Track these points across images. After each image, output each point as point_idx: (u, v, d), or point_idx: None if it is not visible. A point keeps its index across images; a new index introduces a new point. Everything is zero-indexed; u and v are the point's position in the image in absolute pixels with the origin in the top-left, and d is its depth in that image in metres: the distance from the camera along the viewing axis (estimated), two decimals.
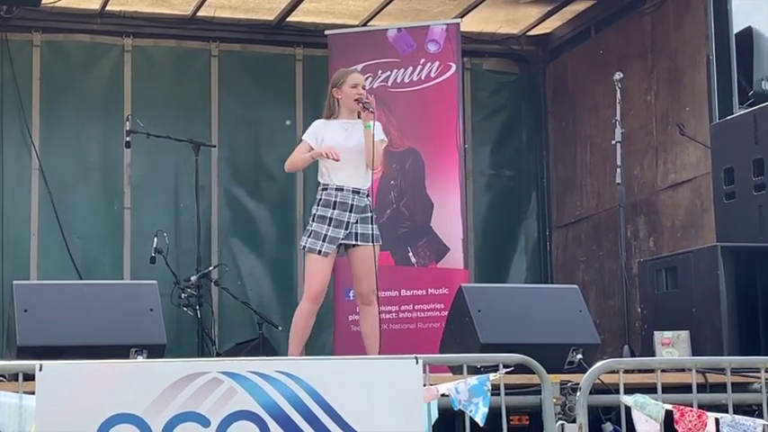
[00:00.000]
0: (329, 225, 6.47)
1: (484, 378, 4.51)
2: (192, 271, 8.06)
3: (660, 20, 8.63)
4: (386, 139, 6.74)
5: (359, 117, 6.59)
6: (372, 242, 6.54)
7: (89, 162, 9.09)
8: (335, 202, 6.50)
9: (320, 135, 6.62)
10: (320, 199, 6.55)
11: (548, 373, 4.68)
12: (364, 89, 6.68)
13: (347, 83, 6.65)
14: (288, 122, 9.37)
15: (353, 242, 6.52)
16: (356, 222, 6.51)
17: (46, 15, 8.89)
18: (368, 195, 6.59)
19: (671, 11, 8.50)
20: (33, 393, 3.97)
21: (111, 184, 9.11)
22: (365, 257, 6.50)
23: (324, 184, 6.57)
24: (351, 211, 6.50)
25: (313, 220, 6.54)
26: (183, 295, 7.91)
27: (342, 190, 6.52)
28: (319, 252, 6.46)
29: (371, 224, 6.57)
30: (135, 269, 8.90)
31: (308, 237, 6.51)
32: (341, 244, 6.53)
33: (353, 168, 6.53)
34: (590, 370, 4.70)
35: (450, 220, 8.52)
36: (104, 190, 9.12)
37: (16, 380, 4.18)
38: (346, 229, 6.49)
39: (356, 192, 6.52)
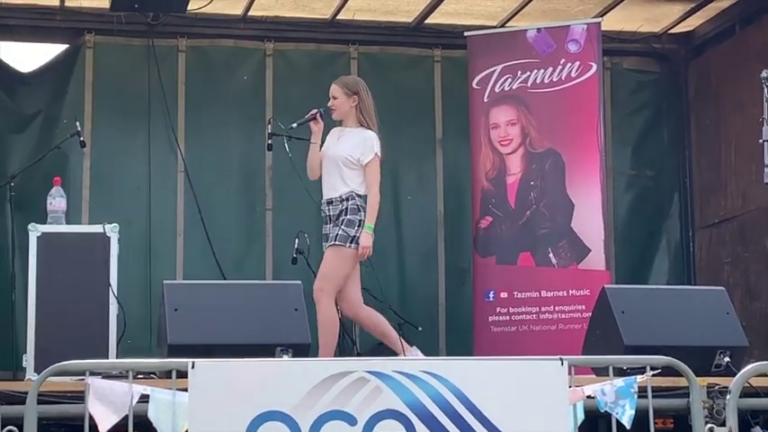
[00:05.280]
0: None
1: (630, 380, 4.48)
2: None
3: None
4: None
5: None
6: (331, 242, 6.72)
7: (232, 164, 9.25)
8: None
9: None
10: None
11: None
12: (333, 98, 7.01)
13: None
14: None
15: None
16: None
17: (191, 21, 9.08)
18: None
19: None
20: (185, 390, 4.07)
21: (254, 186, 9.24)
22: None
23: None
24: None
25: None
26: None
27: None
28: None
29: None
30: (277, 270, 9.01)
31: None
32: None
33: None
34: (740, 373, 4.62)
35: (590, 220, 8.43)
36: (247, 192, 9.26)
37: (167, 377, 4.28)
38: None
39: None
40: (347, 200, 6.72)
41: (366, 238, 6.62)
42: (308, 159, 6.99)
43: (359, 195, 6.72)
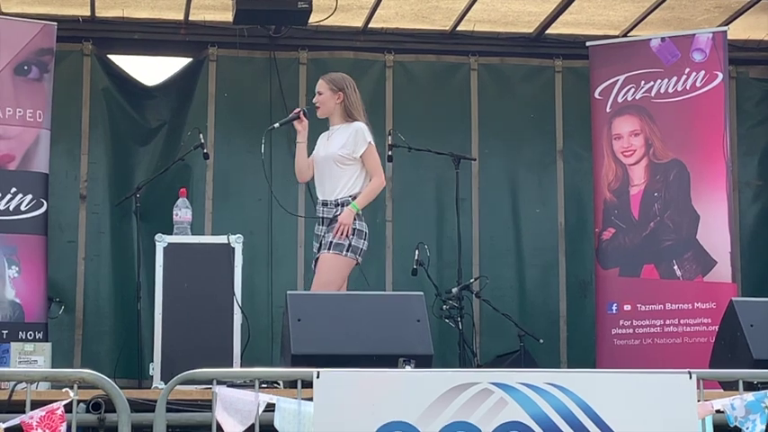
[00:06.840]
0: None
1: (761, 394, 4.40)
2: (453, 283, 8.10)
3: None
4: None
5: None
6: (329, 250, 6.60)
7: None
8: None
9: None
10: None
11: None
12: (319, 94, 6.91)
13: None
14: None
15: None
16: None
17: (312, 34, 9.17)
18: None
19: None
20: (309, 399, 4.09)
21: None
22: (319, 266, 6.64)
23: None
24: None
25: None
26: (444, 307, 7.97)
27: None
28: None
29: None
30: (396, 281, 9.03)
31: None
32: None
33: None
34: None
35: (716, 232, 8.27)
36: None
37: (291, 386, 4.31)
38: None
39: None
40: (342, 205, 6.68)
41: (346, 216, 6.58)
42: (295, 161, 6.95)
43: (354, 198, 6.67)
